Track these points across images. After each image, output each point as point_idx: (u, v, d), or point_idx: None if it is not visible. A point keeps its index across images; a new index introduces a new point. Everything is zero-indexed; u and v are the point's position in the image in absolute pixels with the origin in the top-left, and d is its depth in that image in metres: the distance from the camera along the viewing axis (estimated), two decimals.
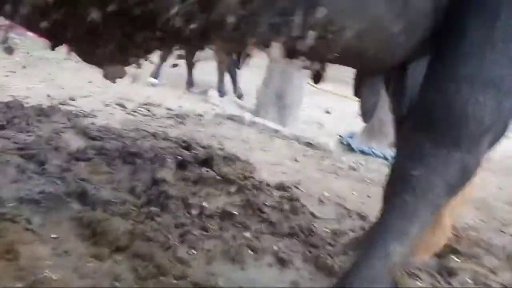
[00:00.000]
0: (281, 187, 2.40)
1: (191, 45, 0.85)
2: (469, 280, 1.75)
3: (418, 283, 1.68)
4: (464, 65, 1.01)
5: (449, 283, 1.73)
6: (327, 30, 0.86)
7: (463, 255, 1.92)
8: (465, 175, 1.08)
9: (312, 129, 4.68)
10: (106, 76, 0.78)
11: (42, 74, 4.85)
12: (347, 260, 1.61)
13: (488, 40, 0.99)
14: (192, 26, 0.71)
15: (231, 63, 5.65)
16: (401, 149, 1.15)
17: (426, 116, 1.08)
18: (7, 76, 4.37)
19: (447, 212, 1.53)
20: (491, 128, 1.06)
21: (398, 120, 1.43)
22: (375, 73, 1.34)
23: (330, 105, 6.87)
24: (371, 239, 1.12)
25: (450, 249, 1.94)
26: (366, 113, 1.39)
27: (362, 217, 2.22)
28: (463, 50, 1.02)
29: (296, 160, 3.09)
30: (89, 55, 0.79)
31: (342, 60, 1.11)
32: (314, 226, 1.98)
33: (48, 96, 3.67)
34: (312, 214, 2.16)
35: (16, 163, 2.06)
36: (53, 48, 0.78)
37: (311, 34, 0.81)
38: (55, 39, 0.75)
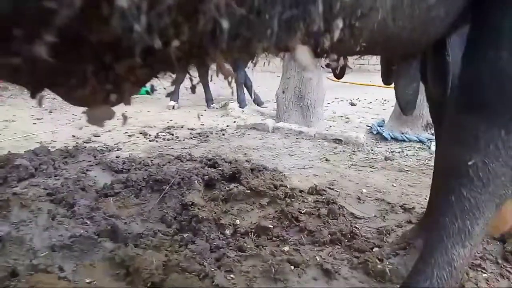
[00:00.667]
0: (314, 191, 2.27)
1: (183, 66, 0.69)
2: None
3: (484, 275, 1.51)
4: None
5: None
6: (355, 16, 0.72)
7: None
8: None
9: (339, 124, 4.52)
10: (89, 121, 0.65)
11: (67, 116, 4.98)
12: (399, 261, 1.47)
13: None
14: (175, 43, 0.55)
15: (241, 71, 5.61)
16: (450, 136, 0.98)
17: (476, 93, 0.92)
18: (34, 123, 4.52)
19: None
20: None
21: (438, 103, 1.27)
22: (411, 57, 1.18)
23: (354, 96, 6.68)
24: (429, 244, 0.97)
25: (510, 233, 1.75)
26: (408, 104, 1.22)
27: (407, 209, 2.06)
28: None
29: (326, 160, 2.96)
30: (71, 98, 0.67)
31: (372, 49, 0.98)
32: (357, 228, 1.85)
33: (73, 136, 3.74)
34: (353, 214, 2.02)
35: (47, 209, 2.05)
36: (32, 96, 0.66)
37: (338, 24, 0.65)
38: (30, 86, 0.65)
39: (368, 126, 3.91)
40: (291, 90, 4.11)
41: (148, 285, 1.41)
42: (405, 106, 1.20)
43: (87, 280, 1.46)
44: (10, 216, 1.94)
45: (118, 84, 0.61)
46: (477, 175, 0.89)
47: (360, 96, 6.88)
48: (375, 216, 2.03)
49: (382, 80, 1.25)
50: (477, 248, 0.98)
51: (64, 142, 3.48)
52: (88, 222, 1.93)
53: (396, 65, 1.15)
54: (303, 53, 0.61)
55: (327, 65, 0.91)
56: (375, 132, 3.70)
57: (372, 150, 3.30)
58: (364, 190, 2.32)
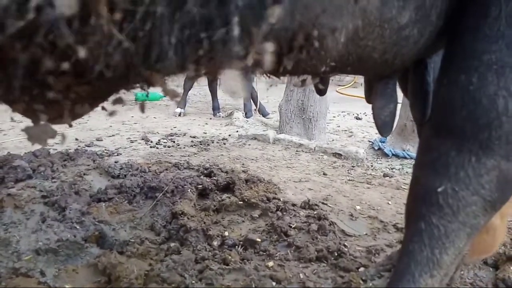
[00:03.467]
0: (307, 205, 2.25)
1: (125, 84, 0.65)
2: None
3: None
4: (489, 49, 0.81)
5: None
6: (312, 37, 0.70)
7: None
8: (506, 186, 0.87)
9: (342, 138, 4.49)
10: (28, 139, 0.62)
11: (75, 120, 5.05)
12: (382, 284, 1.44)
13: None
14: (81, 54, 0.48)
15: (249, 84, 5.63)
16: (421, 160, 0.96)
17: (446, 117, 0.88)
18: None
19: (497, 213, 1.32)
20: None
21: (420, 125, 1.25)
22: (386, 77, 1.17)
23: (361, 111, 6.64)
24: (396, 272, 0.95)
25: (506, 257, 1.70)
26: (384, 125, 1.20)
27: (400, 229, 2.02)
28: (486, 30, 0.82)
29: (324, 174, 2.93)
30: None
31: (343, 69, 0.96)
32: (345, 246, 1.82)
33: (76, 139, 3.78)
34: (343, 231, 1.99)
35: (40, 212, 2.07)
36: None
37: (266, 48, 0.60)
38: None
39: (370, 141, 3.87)
40: (293, 102, 4.10)
41: None
42: (381, 127, 1.17)
43: (67, 286, 1.46)
44: (2, 217, 1.96)
45: (56, 102, 0.59)
46: (446, 203, 0.86)
47: (367, 111, 6.84)
48: (366, 234, 1.99)
49: (365, 99, 1.23)
50: (447, 278, 0.94)
51: (67, 145, 3.51)
52: (77, 227, 1.93)
53: (373, 85, 1.14)
54: (231, 78, 0.60)
55: (299, 83, 0.91)
56: (376, 148, 3.66)
57: (371, 166, 3.26)
58: (358, 207, 2.29)
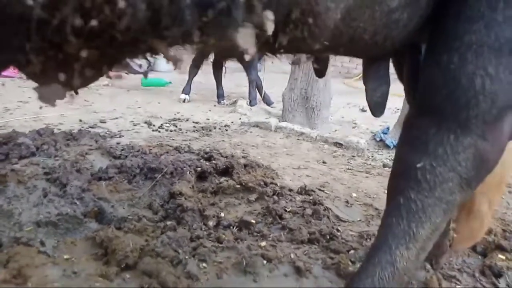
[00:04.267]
0: (303, 191, 2.28)
1: (133, 52, 0.68)
2: None
3: (457, 287, 1.50)
4: (468, 30, 0.83)
5: (494, 284, 1.52)
6: (303, 13, 0.72)
7: (510, 252, 1.69)
8: (482, 165, 0.90)
9: (345, 129, 4.50)
10: (39, 98, 0.65)
11: (79, 102, 5.10)
12: None
13: None
14: (94, 23, 0.53)
15: (253, 70, 5.64)
16: (403, 138, 0.99)
17: (427, 96, 0.92)
18: (45, 106, 4.65)
19: (483, 199, 1.34)
20: (511, 107, 0.87)
21: None
22: (379, 59, 1.19)
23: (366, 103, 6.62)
24: (375, 244, 0.98)
25: (495, 246, 1.72)
26: (375, 106, 1.22)
27: None
28: (467, 11, 0.84)
29: (323, 162, 2.95)
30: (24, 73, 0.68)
31: (335, 49, 0.98)
32: (338, 230, 1.85)
33: (80, 121, 3.83)
34: (337, 217, 2.03)
35: (42, 187, 2.12)
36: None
37: (268, 16, 0.64)
38: None
39: (373, 132, 3.88)
40: (297, 91, 4.11)
41: (122, 266, 1.45)
42: (373, 108, 1.20)
43: (66, 257, 1.51)
44: (6, 191, 2.01)
45: (68, 63, 0.63)
46: (424, 178, 0.89)
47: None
48: (360, 220, 2.02)
49: (362, 80, 1.26)
50: (425, 253, 0.97)
51: (71, 126, 3.57)
52: (77, 202, 1.98)
53: (366, 66, 1.16)
54: (245, 36, 0.62)
55: (293, 62, 0.94)
56: (378, 139, 3.67)
57: (372, 156, 3.28)
58: (354, 195, 2.32)
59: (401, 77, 1.28)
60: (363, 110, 5.98)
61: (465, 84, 0.84)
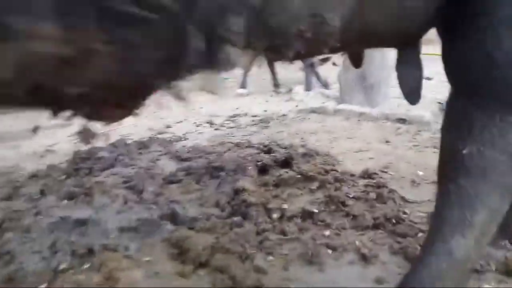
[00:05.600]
0: (366, 174, 2.24)
1: None
2: None
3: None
4: (503, 3, 0.79)
5: None
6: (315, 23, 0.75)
7: None
8: None
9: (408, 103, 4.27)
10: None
11: (147, 110, 5.47)
12: None
13: None
14: None
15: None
16: (445, 122, 0.95)
17: (465, 78, 0.89)
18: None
19: None
20: None
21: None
22: (406, 46, 1.14)
23: (432, 69, 6.17)
24: (429, 234, 0.96)
25: None
26: (411, 93, 1.19)
27: None
28: None
29: (386, 142, 2.86)
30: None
31: (357, 45, 0.99)
32: (405, 213, 1.80)
33: (149, 128, 4.12)
34: (403, 199, 1.97)
35: (122, 195, 2.36)
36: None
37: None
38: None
39: (440, 102, 3.63)
40: (353, 71, 3.97)
41: (196, 264, 1.57)
42: (407, 95, 1.16)
43: (146, 258, 1.67)
44: (93, 202, 2.27)
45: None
46: (473, 163, 0.85)
47: (440, 69, 6.34)
48: (429, 200, 1.94)
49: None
50: (487, 237, 0.92)
51: (141, 134, 3.86)
52: (153, 207, 2.17)
53: (398, 52, 1.12)
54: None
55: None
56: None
57: (438, 129, 3.08)
58: (421, 173, 2.22)
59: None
60: (428, 79, 5.58)
61: (505, 61, 0.80)
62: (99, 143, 3.38)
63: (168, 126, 4.12)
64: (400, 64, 1.14)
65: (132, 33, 0.59)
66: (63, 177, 2.67)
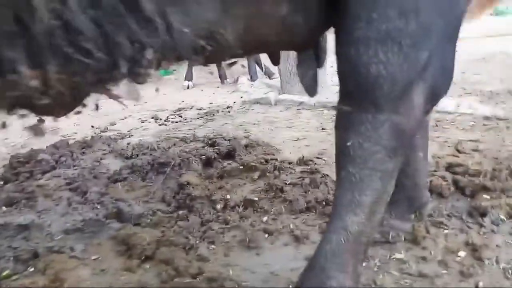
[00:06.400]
0: (302, 161, 2.42)
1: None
2: (502, 217, 1.64)
3: (444, 231, 1.63)
4: (356, 27, 0.98)
5: (480, 224, 1.64)
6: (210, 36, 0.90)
7: (495, 191, 1.79)
8: (401, 134, 1.04)
9: None
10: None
11: (90, 106, 5.31)
12: None
13: None
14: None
15: None
16: (336, 123, 1.14)
17: (343, 83, 1.08)
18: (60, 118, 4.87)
19: None
20: (413, 81, 1.01)
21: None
22: (301, 50, 1.34)
23: None
24: (331, 215, 1.13)
25: (480, 187, 1.83)
26: (309, 88, 1.39)
27: None
28: (350, 12, 1.00)
29: (323, 129, 3.06)
30: None
31: (257, 50, 1.18)
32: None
33: (92, 127, 4.04)
34: (334, 182, 2.16)
35: (66, 197, 2.35)
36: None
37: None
38: None
39: None
40: (291, 61, 4.15)
41: (142, 258, 1.65)
42: (307, 90, 1.36)
43: (94, 257, 1.72)
44: (36, 206, 2.25)
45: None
46: (356, 154, 1.03)
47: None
48: None
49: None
50: (378, 215, 1.11)
51: (84, 133, 3.78)
52: (99, 207, 2.20)
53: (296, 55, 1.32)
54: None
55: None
56: None
57: None
58: None
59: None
60: None
61: (365, 71, 0.98)
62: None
63: (112, 123, 4.07)
64: (299, 64, 1.33)
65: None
66: (1, 183, 2.60)
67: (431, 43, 1.00)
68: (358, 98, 1.02)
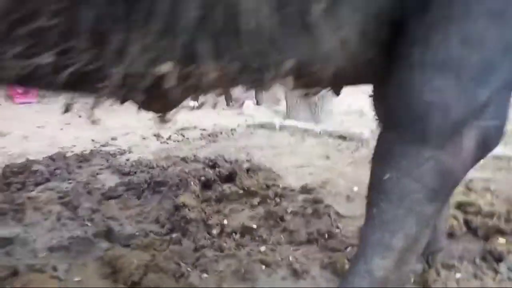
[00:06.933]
0: (305, 190, 2.31)
1: None
2: None
3: (456, 275, 1.50)
4: (413, 51, 0.90)
5: (495, 270, 1.51)
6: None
7: (511, 235, 1.68)
8: (445, 176, 0.93)
9: (352, 119, 4.49)
10: None
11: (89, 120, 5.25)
12: None
13: (435, 20, 0.88)
14: None
15: None
16: (374, 152, 1.04)
17: (389, 112, 0.99)
18: (61, 129, 4.81)
19: None
20: (467, 119, 0.91)
21: None
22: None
23: None
24: (356, 254, 1.02)
25: (495, 229, 1.71)
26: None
27: None
28: (411, 34, 0.91)
29: (327, 158, 2.97)
30: None
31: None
32: (338, 228, 1.88)
33: (92, 140, 3.97)
34: (338, 213, 2.05)
35: (56, 212, 2.24)
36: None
37: None
38: None
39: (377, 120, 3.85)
40: None
41: (128, 284, 1.53)
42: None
43: (76, 279, 1.60)
44: (23, 219, 2.14)
45: None
46: (392, 190, 0.93)
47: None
48: (361, 214, 2.03)
49: None
50: (407, 265, 1.00)
51: (84, 147, 3.70)
52: (88, 224, 2.09)
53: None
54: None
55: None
56: None
57: None
58: (356, 188, 2.33)
59: None
60: (371, 96, 5.91)
61: (416, 98, 0.89)
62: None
63: (114, 138, 3.99)
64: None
65: None
66: None
67: (493, 82, 0.90)
68: (405, 127, 0.93)
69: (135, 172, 2.84)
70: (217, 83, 0.86)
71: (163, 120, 1.17)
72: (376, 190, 0.98)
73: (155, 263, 1.64)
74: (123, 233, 1.99)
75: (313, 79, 0.96)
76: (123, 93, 0.86)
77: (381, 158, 0.98)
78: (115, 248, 1.83)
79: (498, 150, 2.98)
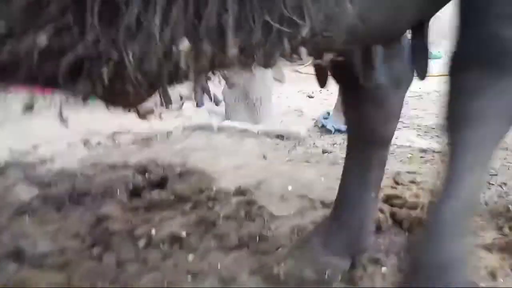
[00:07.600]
0: (239, 192, 2.25)
1: None
2: None
3: (382, 269, 1.51)
4: None
5: None
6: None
7: None
8: None
9: (291, 119, 4.49)
10: None
11: (14, 128, 4.80)
12: (292, 263, 1.45)
13: None
14: None
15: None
16: (453, 87, 1.10)
17: (462, 52, 1.08)
18: None
19: None
20: None
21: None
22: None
23: (315, 89, 6.66)
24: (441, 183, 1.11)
25: (418, 221, 1.76)
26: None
27: (326, 205, 2.05)
28: None
29: (264, 158, 2.93)
30: None
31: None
32: (270, 229, 1.83)
33: (11, 150, 3.59)
34: (271, 214, 2.00)
35: None
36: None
37: None
38: None
39: (314, 119, 3.90)
40: (236, 87, 4.05)
41: None
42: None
43: None
44: None
45: None
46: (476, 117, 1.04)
47: (322, 88, 6.87)
48: (293, 214, 2.01)
49: None
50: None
51: (1, 157, 3.34)
52: None
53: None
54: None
55: None
56: (320, 125, 3.69)
57: (314, 144, 3.30)
58: (290, 188, 2.31)
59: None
60: (310, 97, 6.02)
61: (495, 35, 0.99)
62: None
63: (35, 147, 3.65)
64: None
65: None
66: None
67: None
68: (488, 63, 1.01)
69: (56, 183, 2.59)
70: (235, 60, 0.78)
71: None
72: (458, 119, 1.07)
73: (70, 283, 1.48)
74: (35, 253, 1.78)
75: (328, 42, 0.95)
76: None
77: (464, 90, 1.06)
78: (25, 269, 1.63)
79: (424, 143, 3.15)
